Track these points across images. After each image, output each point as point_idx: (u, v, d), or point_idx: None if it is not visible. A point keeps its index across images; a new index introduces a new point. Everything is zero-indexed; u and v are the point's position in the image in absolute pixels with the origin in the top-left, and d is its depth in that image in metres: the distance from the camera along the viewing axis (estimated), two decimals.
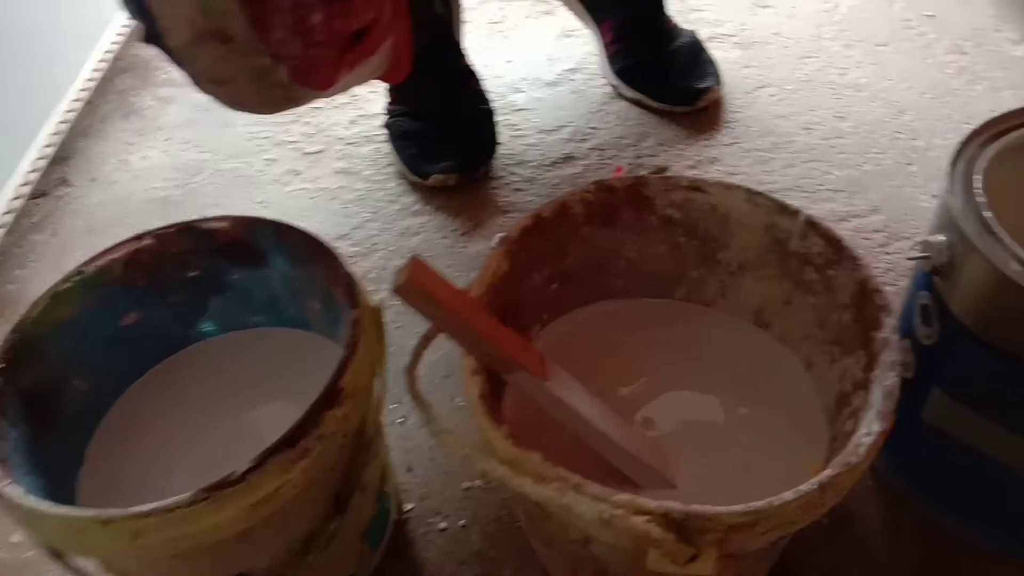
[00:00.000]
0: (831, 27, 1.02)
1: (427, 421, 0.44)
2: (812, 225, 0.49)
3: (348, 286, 0.49)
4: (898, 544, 0.58)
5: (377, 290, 0.77)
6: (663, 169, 0.75)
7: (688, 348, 0.58)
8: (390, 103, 0.91)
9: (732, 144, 0.89)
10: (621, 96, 0.96)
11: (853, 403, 0.47)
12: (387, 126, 0.91)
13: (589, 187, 0.52)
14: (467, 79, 0.91)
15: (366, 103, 0.99)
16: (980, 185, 0.48)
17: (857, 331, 0.47)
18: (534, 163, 0.90)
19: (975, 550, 0.56)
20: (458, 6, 0.93)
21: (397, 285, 0.41)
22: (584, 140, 0.92)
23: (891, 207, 0.80)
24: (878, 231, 0.78)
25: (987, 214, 0.46)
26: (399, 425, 0.67)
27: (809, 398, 0.53)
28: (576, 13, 1.00)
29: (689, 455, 0.52)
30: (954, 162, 0.50)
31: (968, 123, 0.87)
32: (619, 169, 0.87)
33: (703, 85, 0.92)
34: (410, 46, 0.74)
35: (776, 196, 0.51)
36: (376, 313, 0.50)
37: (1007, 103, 0.89)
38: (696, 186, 0.51)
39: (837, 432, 0.49)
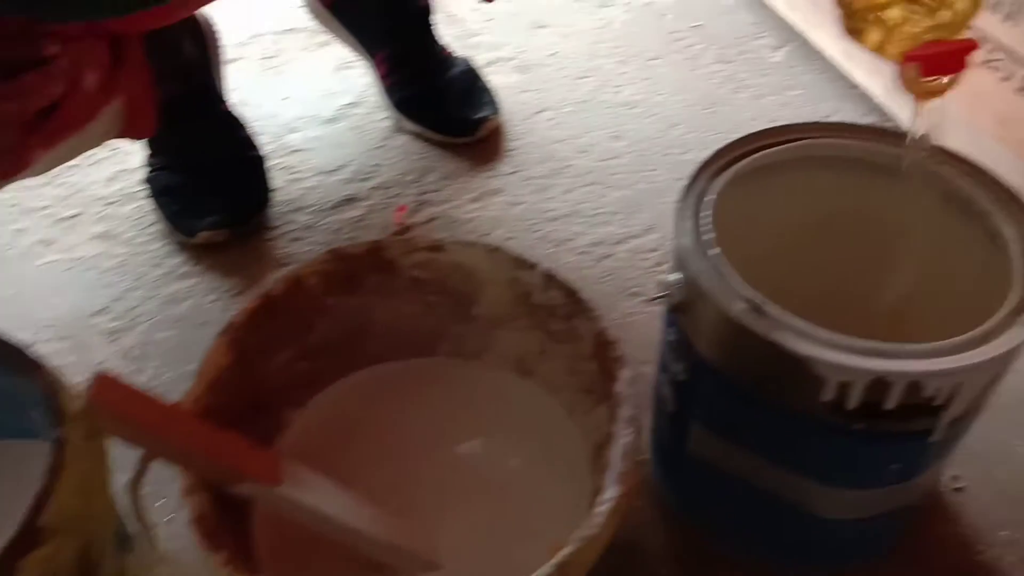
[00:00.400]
0: (605, 44, 1.04)
1: (144, 550, 0.39)
2: (550, 278, 0.48)
3: (48, 399, 0.43)
4: (683, 574, 0.58)
5: (140, 370, 0.71)
6: (406, 229, 0.73)
7: (457, 404, 0.56)
8: (149, 156, 0.85)
9: (514, 173, 0.88)
10: (403, 129, 0.93)
11: (604, 456, 0.46)
12: (146, 181, 0.84)
13: (324, 256, 0.49)
14: (230, 125, 0.85)
15: (127, 156, 0.91)
16: (708, 221, 0.48)
17: (602, 382, 0.47)
18: (313, 208, 0.85)
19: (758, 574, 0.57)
20: (216, 48, 0.88)
21: (84, 407, 0.36)
22: (366, 179, 0.89)
23: (665, 224, 0.81)
24: (653, 250, 0.80)
25: (713, 252, 0.47)
26: (167, 525, 0.61)
27: (575, 447, 0.53)
28: (349, 45, 0.97)
29: (459, 523, 0.50)
30: (683, 197, 0.50)
31: (735, 132, 0.91)
32: (402, 208, 0.84)
33: (480, 115, 0.90)
34: (152, 100, 0.68)
35: (514, 251, 0.50)
36: (93, 422, 0.45)
37: (768, 109, 0.94)
38: (436, 246, 0.49)
39: (597, 485, 0.48)
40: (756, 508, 0.53)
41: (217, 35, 0.91)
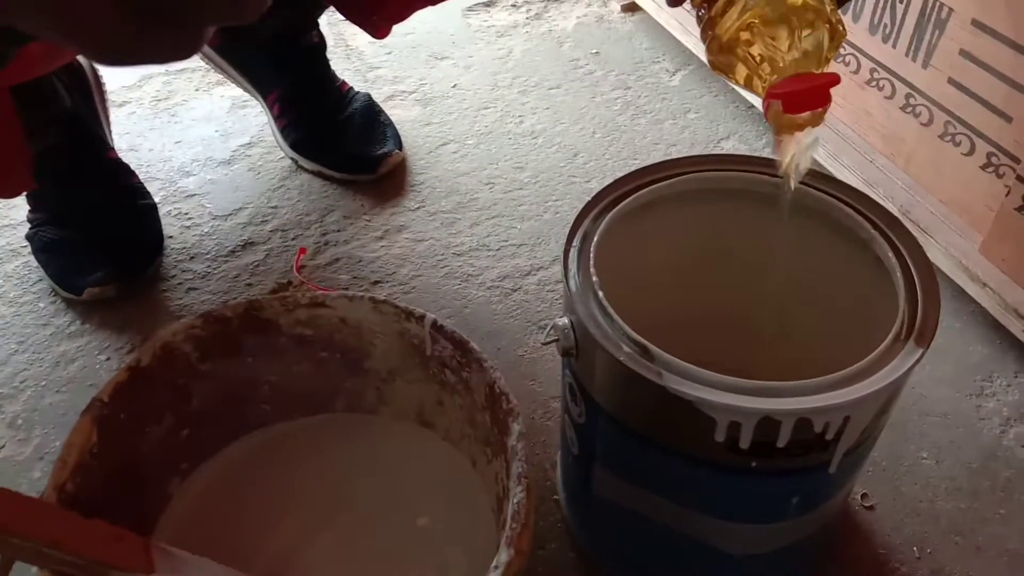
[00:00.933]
0: (506, 74, 1.03)
1: None
2: (438, 329, 0.47)
3: None
4: None
5: (27, 439, 0.67)
6: (286, 285, 0.70)
7: (357, 461, 0.54)
8: (30, 211, 0.80)
9: (418, 208, 0.87)
10: (301, 168, 0.91)
11: (505, 511, 0.45)
12: (28, 238, 0.80)
13: (196, 321, 0.46)
14: (117, 174, 0.82)
15: (10, 210, 0.87)
16: (594, 263, 0.47)
17: (496, 434, 0.45)
18: (209, 255, 0.82)
19: None
20: (100, 93, 0.84)
21: None
22: (265, 222, 0.86)
23: None
24: (560, 281, 0.79)
25: (600, 295, 0.46)
26: None
27: (480, 499, 0.51)
28: (240, 87, 0.94)
29: None
30: (569, 240, 0.49)
31: (635, 158, 0.92)
32: (303, 251, 0.82)
33: (382, 151, 0.89)
34: (23, 155, 0.65)
35: (400, 303, 0.48)
36: None
37: (668, 133, 0.95)
38: (318, 302, 0.47)
39: (501, 537, 0.46)
40: (665, 547, 0.52)
41: (101, 80, 0.88)
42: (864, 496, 0.62)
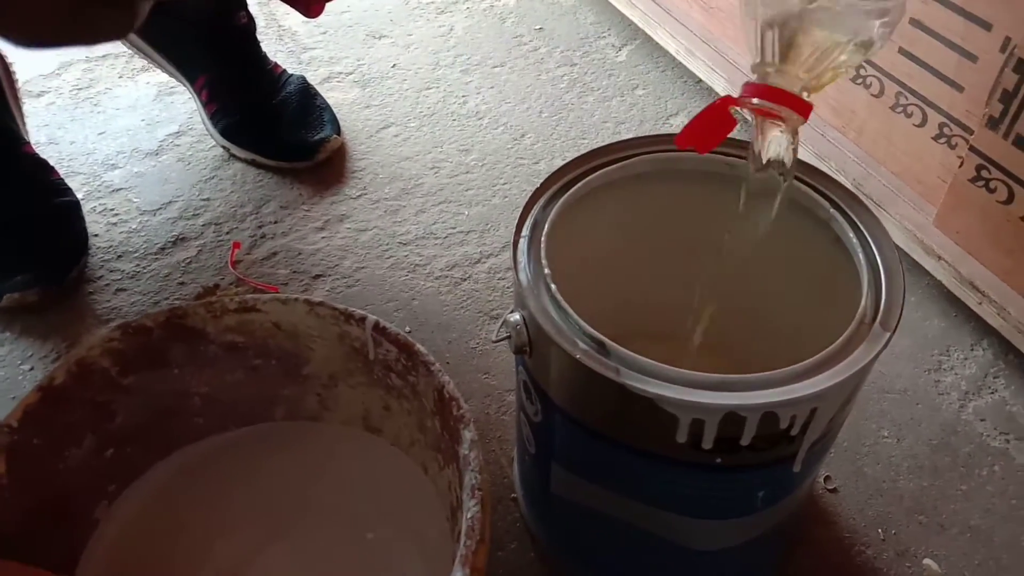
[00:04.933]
0: (448, 53, 1.00)
1: None
2: (381, 331, 0.43)
3: None
4: None
5: None
6: (213, 289, 0.66)
7: (301, 471, 0.51)
8: None
9: (360, 196, 0.83)
10: (234, 157, 0.86)
11: (460, 522, 0.42)
12: None
13: (113, 333, 0.42)
14: (34, 170, 0.76)
15: None
16: (544, 254, 0.45)
17: (447, 440, 0.42)
18: (138, 253, 0.78)
19: None
20: (10, 83, 0.79)
21: None
22: (196, 216, 0.81)
23: None
24: (511, 269, 0.76)
25: (553, 288, 0.43)
26: None
27: (433, 507, 0.48)
28: (165, 71, 0.89)
29: None
30: (517, 230, 0.46)
31: (583, 138, 0.89)
32: (237, 245, 0.77)
33: (319, 136, 0.84)
34: None
35: (338, 305, 0.45)
36: None
37: (616, 111, 0.92)
38: (249, 307, 0.44)
39: (456, 553, 0.44)
40: (627, 545, 0.50)
41: (11, 69, 0.82)
42: (827, 479, 0.61)
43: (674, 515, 0.46)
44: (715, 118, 0.42)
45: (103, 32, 0.21)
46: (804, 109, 0.41)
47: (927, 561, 0.56)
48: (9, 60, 0.83)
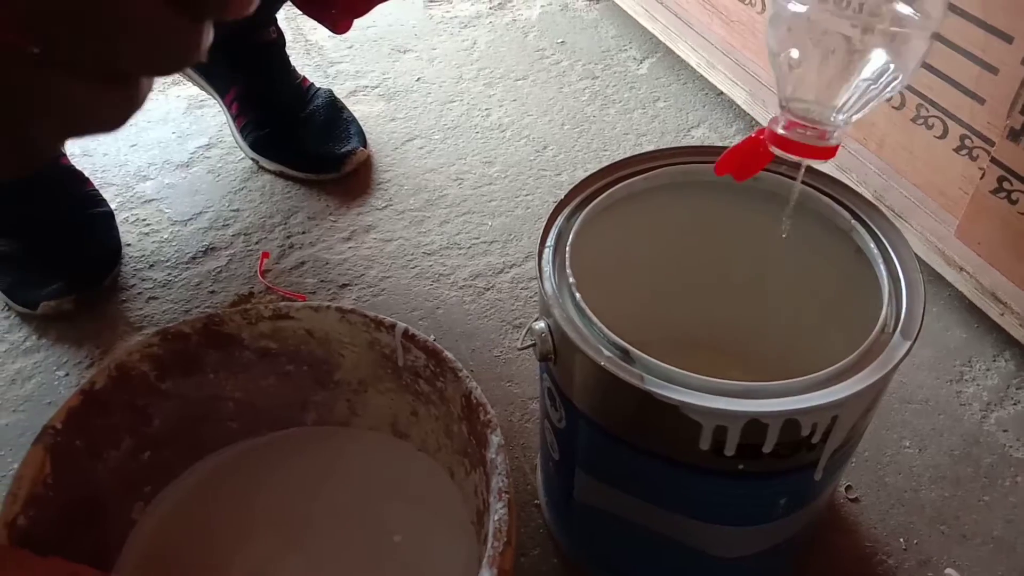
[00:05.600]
0: (471, 66, 1.01)
1: None
2: (410, 338, 0.45)
3: None
4: None
5: None
6: (247, 297, 0.68)
7: (330, 475, 0.52)
8: None
9: (386, 207, 0.84)
10: (263, 169, 0.88)
11: (485, 525, 0.43)
12: None
13: (153, 339, 0.43)
14: (69, 181, 0.78)
15: None
16: (569, 263, 0.46)
17: (474, 446, 0.43)
18: (170, 262, 0.79)
19: None
20: None
21: None
22: (226, 226, 0.83)
23: None
24: (534, 279, 0.77)
25: (578, 297, 0.44)
26: None
27: (459, 511, 0.49)
28: (197, 85, 0.91)
29: None
30: (542, 239, 0.47)
31: (605, 150, 0.90)
32: (265, 255, 0.79)
33: (346, 148, 0.86)
34: None
35: (369, 312, 0.46)
36: None
37: (637, 123, 0.93)
38: (282, 314, 0.45)
39: (482, 555, 0.45)
40: (649, 552, 0.51)
41: None
42: (848, 488, 0.61)
43: (696, 521, 0.47)
44: (752, 151, 0.43)
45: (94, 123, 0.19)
46: (827, 155, 0.42)
47: (949, 571, 0.56)
48: None
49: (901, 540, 0.58)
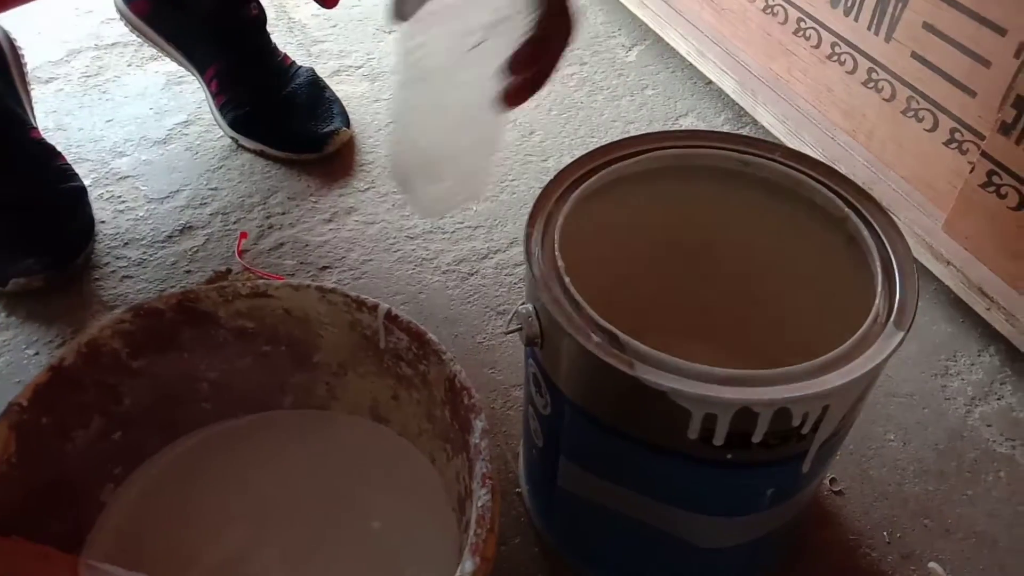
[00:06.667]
0: None
1: None
2: (393, 319, 0.43)
3: None
4: None
5: None
6: (224, 274, 0.66)
7: (308, 459, 0.50)
8: None
9: (368, 189, 0.83)
10: (242, 148, 0.86)
11: (467, 511, 0.42)
12: None
13: (125, 315, 0.42)
14: (40, 155, 0.76)
15: None
16: (558, 247, 0.44)
17: (457, 431, 0.42)
18: (145, 241, 0.77)
19: None
20: (18, 68, 0.79)
21: None
22: (204, 205, 0.81)
23: None
24: (519, 265, 0.76)
25: (566, 280, 0.43)
26: None
27: (440, 497, 0.48)
28: (176, 61, 0.88)
29: None
30: (530, 222, 0.46)
31: (592, 136, 0.89)
32: (244, 235, 0.77)
33: (329, 128, 0.84)
34: None
35: (351, 292, 0.44)
36: None
37: (625, 111, 0.92)
38: (260, 292, 0.44)
39: (464, 542, 0.43)
40: (633, 541, 0.50)
41: (20, 53, 0.82)
42: (832, 481, 0.61)
43: (681, 511, 0.46)
44: None
45: None
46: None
47: (932, 565, 0.56)
48: (18, 45, 0.83)
49: (885, 533, 0.58)
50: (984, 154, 0.64)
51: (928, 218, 0.71)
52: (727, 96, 0.89)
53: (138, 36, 0.88)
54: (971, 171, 0.65)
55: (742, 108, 0.87)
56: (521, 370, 0.60)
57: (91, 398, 0.42)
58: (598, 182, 0.49)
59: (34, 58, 0.94)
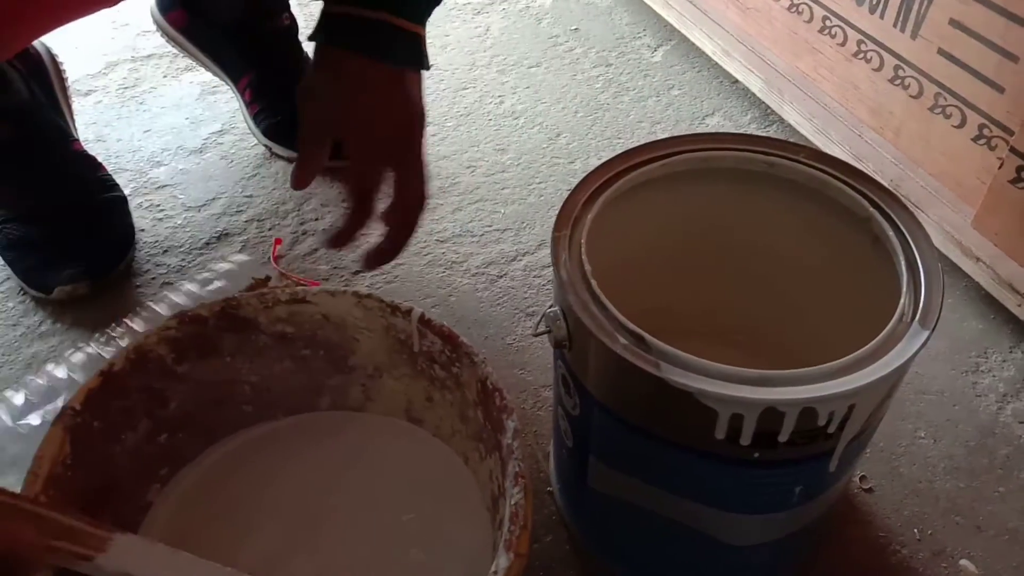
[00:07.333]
0: (484, 53, 1.01)
1: None
2: (426, 323, 0.45)
3: None
4: None
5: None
6: (264, 281, 0.68)
7: (344, 459, 0.52)
8: None
9: None
10: (276, 155, 0.88)
11: (501, 510, 0.43)
12: None
13: (171, 322, 0.44)
14: (82, 166, 0.79)
15: None
16: (585, 251, 0.45)
17: (489, 431, 0.43)
18: (184, 248, 0.80)
19: None
20: (60, 82, 0.81)
21: None
22: (240, 212, 0.83)
23: None
24: (547, 267, 0.77)
25: (593, 283, 0.44)
26: None
27: (473, 496, 0.49)
28: (210, 71, 0.91)
29: None
30: (558, 227, 0.47)
31: (619, 138, 0.90)
32: (278, 242, 0.79)
33: None
34: None
35: (385, 297, 0.46)
36: None
37: (652, 111, 0.93)
38: (299, 298, 0.45)
39: (498, 539, 0.45)
40: (662, 539, 0.51)
41: (61, 67, 0.84)
42: (862, 478, 0.61)
43: (710, 509, 0.47)
44: None
45: None
46: None
47: (964, 562, 0.56)
48: (59, 60, 0.85)
49: (915, 530, 0.58)
50: (1013, 150, 0.64)
51: (957, 214, 0.71)
52: (753, 95, 0.89)
53: (174, 47, 0.91)
54: (1000, 167, 0.65)
55: (768, 107, 0.87)
56: (550, 371, 0.61)
57: (139, 401, 0.44)
58: (624, 186, 0.49)
59: (73, 71, 0.96)
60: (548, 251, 0.77)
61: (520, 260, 0.78)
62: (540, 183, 0.85)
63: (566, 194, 0.48)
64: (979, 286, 0.69)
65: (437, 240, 0.80)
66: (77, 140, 0.81)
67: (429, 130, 0.91)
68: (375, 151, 0.55)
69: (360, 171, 0.55)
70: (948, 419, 0.64)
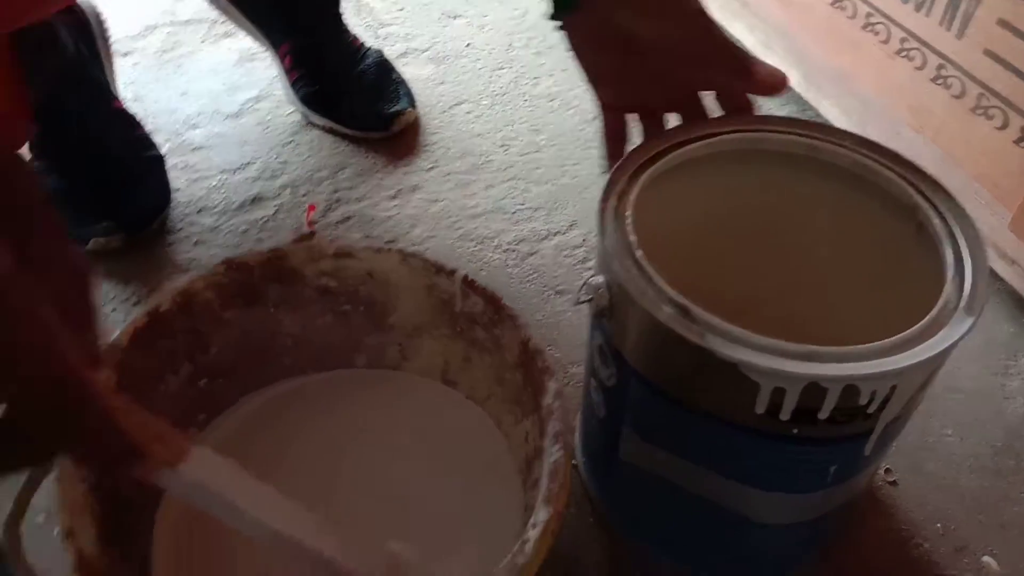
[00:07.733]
0: (521, 35, 1.01)
1: None
2: (470, 284, 0.45)
3: None
4: None
5: None
6: (310, 236, 0.68)
7: (377, 418, 0.52)
8: (33, 159, 0.78)
9: (432, 168, 0.85)
10: (312, 124, 0.88)
11: (535, 471, 0.43)
12: None
13: (218, 268, 0.44)
14: (122, 124, 0.79)
15: None
16: (630, 222, 0.46)
17: (529, 393, 0.44)
18: (218, 209, 0.80)
19: None
20: (104, 41, 0.82)
21: None
22: (274, 177, 0.83)
23: (588, 220, 0.79)
24: (578, 247, 0.77)
25: (638, 253, 0.44)
26: None
27: (505, 459, 0.50)
28: (251, 36, 0.91)
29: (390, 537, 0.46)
30: (604, 198, 0.47)
31: None
32: (312, 208, 0.80)
33: (395, 108, 0.86)
34: (24, 104, 0.62)
35: (430, 257, 0.46)
36: None
37: None
38: (345, 252, 0.46)
39: (530, 501, 0.45)
40: (691, 514, 0.51)
41: (105, 27, 0.85)
42: (887, 471, 0.61)
43: (743, 485, 0.47)
44: None
45: None
46: None
47: (986, 559, 0.56)
48: (103, 18, 0.86)
49: (938, 525, 0.58)
50: None
51: (994, 216, 0.70)
52: (791, 89, 0.89)
53: (217, 10, 0.91)
54: None
55: (806, 101, 0.87)
56: (579, 349, 0.61)
57: (183, 344, 0.45)
58: (669, 163, 0.50)
59: (113, 32, 0.97)
60: (579, 232, 0.78)
61: (551, 239, 0.78)
62: (573, 164, 0.85)
63: (600, 177, 0.49)
64: (1013, 290, 0.69)
65: (469, 215, 0.80)
66: (118, 99, 0.81)
67: (464, 107, 0.91)
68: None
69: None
70: (976, 419, 0.64)
